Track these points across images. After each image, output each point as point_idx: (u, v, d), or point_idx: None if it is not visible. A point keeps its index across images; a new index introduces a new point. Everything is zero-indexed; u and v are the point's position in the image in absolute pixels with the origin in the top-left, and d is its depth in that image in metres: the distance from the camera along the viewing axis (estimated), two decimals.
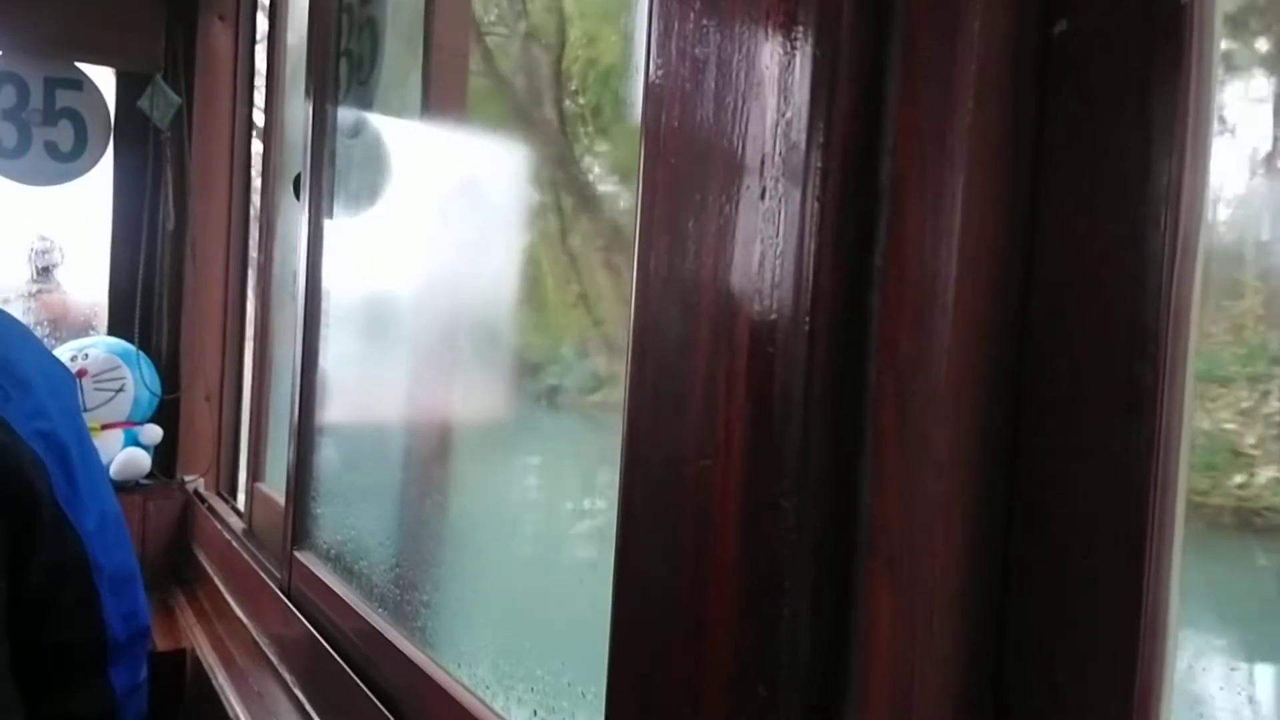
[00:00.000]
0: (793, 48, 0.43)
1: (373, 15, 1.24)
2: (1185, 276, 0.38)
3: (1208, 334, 0.42)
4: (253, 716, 1.19)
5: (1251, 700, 0.46)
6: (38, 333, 1.92)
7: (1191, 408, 0.38)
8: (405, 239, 1.19)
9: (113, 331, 2.07)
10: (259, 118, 1.90)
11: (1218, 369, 0.45)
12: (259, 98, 1.91)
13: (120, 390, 1.93)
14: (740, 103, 0.45)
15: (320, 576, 1.19)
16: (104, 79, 2.06)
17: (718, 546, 0.45)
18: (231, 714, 1.22)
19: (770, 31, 0.44)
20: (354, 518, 1.22)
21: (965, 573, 0.41)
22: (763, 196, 0.43)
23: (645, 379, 0.50)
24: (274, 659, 1.29)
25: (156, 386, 1.99)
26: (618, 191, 1.06)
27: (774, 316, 0.43)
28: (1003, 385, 0.41)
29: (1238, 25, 0.44)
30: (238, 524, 1.66)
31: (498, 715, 0.81)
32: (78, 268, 2.12)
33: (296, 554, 1.28)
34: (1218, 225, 0.42)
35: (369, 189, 1.24)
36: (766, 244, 0.43)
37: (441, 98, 1.14)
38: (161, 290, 2.07)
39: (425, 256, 1.16)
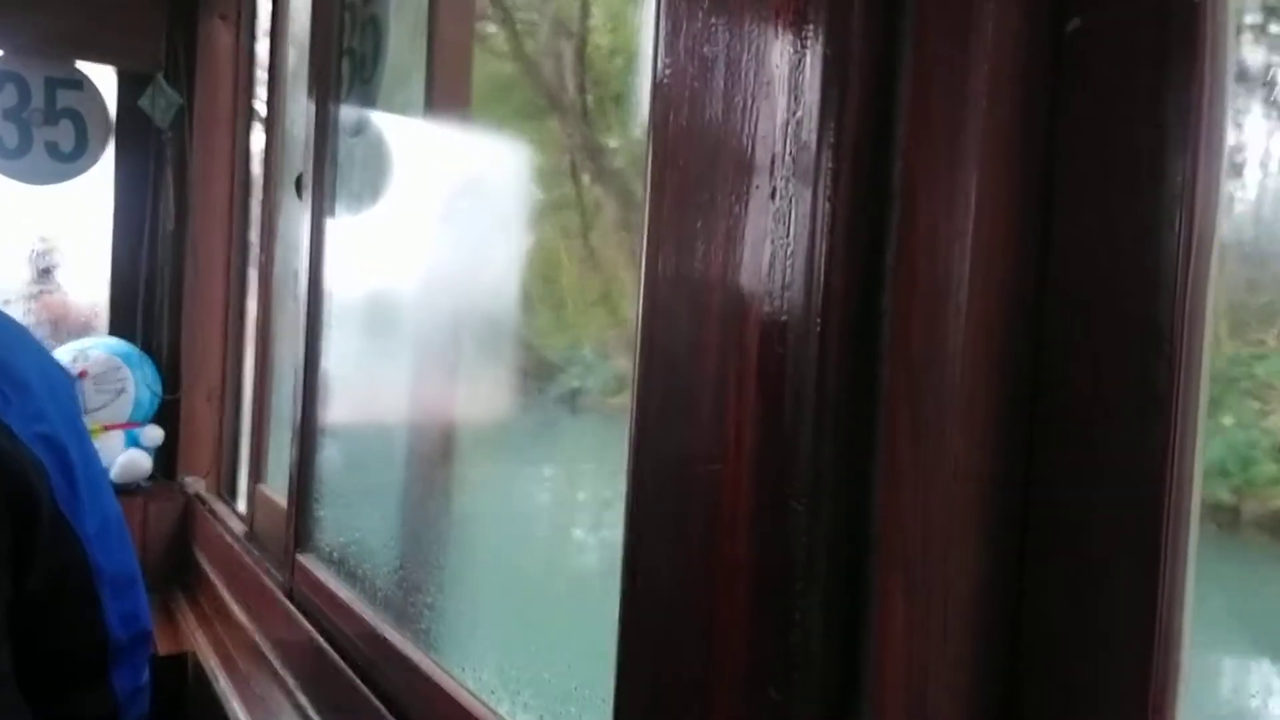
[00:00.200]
0: (803, 46, 0.42)
1: (375, 13, 1.23)
2: (1200, 275, 0.38)
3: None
4: None
5: (1267, 703, 0.45)
6: (38, 334, 1.92)
7: (1206, 407, 0.38)
8: (410, 237, 1.19)
9: (114, 332, 2.07)
10: (260, 117, 1.89)
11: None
12: (260, 97, 1.90)
13: (121, 391, 1.92)
14: (750, 102, 0.45)
15: (323, 579, 1.19)
16: (105, 79, 2.05)
17: (728, 547, 0.44)
18: (233, 718, 1.21)
19: (780, 30, 0.43)
20: (358, 520, 1.22)
21: (979, 573, 0.41)
22: (773, 196, 0.43)
23: (654, 379, 0.50)
24: (276, 662, 1.28)
25: (158, 387, 1.99)
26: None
27: (784, 317, 0.42)
28: (1016, 385, 0.41)
29: (1255, 23, 0.44)
30: (239, 526, 1.66)
31: None
32: (78, 268, 2.12)
33: (299, 556, 1.28)
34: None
35: (372, 188, 1.24)
36: (777, 244, 0.43)
37: (446, 94, 1.13)
38: (162, 290, 2.07)
39: (431, 255, 1.16)
